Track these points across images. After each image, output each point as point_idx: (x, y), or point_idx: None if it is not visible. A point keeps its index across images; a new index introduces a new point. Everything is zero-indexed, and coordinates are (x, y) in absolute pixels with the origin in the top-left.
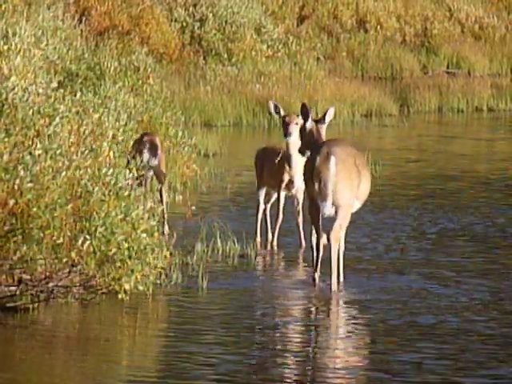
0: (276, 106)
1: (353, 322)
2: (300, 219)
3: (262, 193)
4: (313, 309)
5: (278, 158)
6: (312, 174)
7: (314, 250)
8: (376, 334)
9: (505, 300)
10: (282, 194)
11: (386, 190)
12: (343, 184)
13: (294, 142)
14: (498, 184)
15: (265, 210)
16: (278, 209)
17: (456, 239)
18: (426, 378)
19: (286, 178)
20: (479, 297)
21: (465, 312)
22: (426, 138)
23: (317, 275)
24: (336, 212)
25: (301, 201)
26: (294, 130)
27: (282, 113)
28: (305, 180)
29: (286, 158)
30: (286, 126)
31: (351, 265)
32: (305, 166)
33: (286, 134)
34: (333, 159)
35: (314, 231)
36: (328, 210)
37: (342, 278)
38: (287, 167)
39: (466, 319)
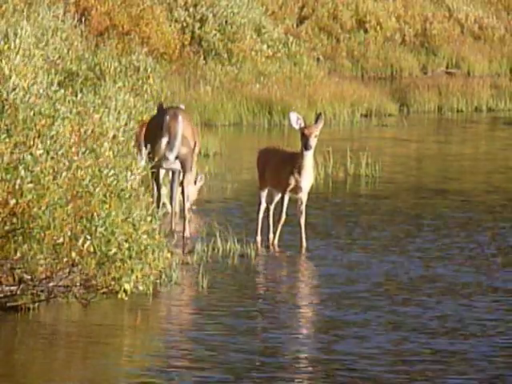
0: (298, 118)
1: (353, 322)
2: (302, 219)
3: (264, 193)
4: (313, 307)
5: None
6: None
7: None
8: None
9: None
10: (287, 195)
11: (385, 190)
12: (187, 139)
13: (311, 154)
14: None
15: (268, 210)
16: (282, 210)
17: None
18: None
19: (293, 182)
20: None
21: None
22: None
23: None
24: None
25: (304, 201)
26: (314, 143)
27: (303, 124)
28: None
29: (298, 167)
30: (305, 138)
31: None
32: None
33: (307, 147)
34: (180, 117)
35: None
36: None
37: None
38: (297, 174)
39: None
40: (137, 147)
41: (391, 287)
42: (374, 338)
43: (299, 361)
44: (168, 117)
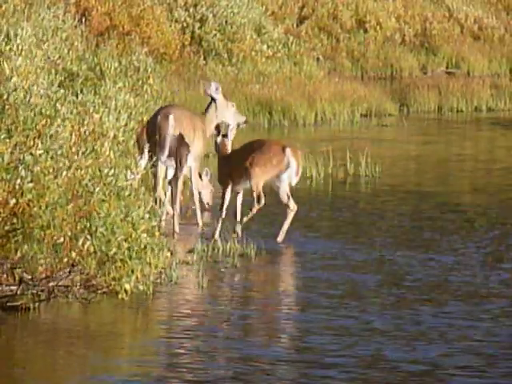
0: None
1: (351, 319)
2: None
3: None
4: (311, 305)
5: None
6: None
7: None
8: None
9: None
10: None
11: (384, 190)
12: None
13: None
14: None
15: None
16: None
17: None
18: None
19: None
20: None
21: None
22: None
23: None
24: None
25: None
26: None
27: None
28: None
29: None
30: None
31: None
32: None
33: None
34: (171, 117)
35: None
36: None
37: None
38: None
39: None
40: (138, 147)
41: (389, 289)
42: (357, 345)
43: (301, 354)
44: (159, 117)
